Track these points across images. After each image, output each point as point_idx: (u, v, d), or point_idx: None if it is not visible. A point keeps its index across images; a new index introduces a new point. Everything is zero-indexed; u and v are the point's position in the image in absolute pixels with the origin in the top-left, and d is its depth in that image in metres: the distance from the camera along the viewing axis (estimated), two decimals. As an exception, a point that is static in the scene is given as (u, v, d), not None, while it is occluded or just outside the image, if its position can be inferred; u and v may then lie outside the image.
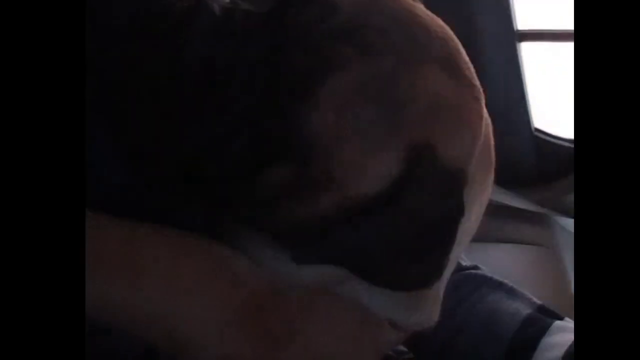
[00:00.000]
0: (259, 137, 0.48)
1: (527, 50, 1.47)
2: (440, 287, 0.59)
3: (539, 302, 0.74)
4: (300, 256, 0.48)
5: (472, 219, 0.57)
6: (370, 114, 0.48)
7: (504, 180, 1.42)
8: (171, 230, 0.51)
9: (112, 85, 0.50)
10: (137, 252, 0.49)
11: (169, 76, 0.48)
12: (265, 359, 0.54)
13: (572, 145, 1.37)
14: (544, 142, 1.45)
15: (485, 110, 0.55)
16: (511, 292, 0.77)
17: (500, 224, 1.39)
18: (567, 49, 1.33)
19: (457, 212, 0.49)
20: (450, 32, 0.53)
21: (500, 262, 1.18)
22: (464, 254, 0.82)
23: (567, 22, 1.30)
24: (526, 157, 1.46)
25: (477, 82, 0.53)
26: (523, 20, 1.45)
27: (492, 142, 0.57)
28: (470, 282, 0.76)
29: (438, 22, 0.53)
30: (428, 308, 0.59)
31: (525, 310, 0.73)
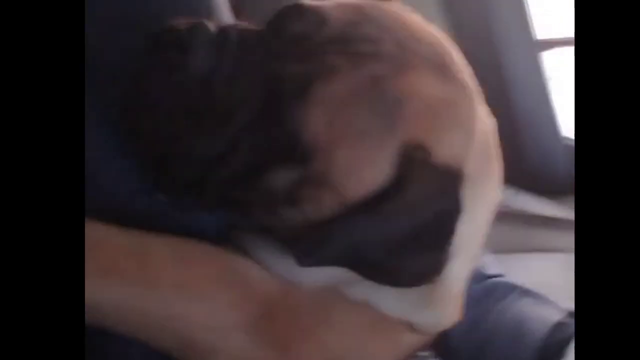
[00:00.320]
0: (260, 143, 0.50)
1: (551, 59, 1.47)
2: (453, 286, 0.59)
3: (567, 308, 0.73)
4: (303, 259, 0.50)
5: (477, 218, 0.57)
6: (363, 117, 0.50)
7: (535, 188, 1.41)
8: (182, 239, 0.53)
9: (125, 98, 0.53)
10: (149, 261, 0.51)
11: (174, 89, 0.51)
12: None
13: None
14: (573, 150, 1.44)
15: (481, 110, 0.56)
16: (539, 299, 0.76)
17: (532, 232, 1.38)
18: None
19: (453, 210, 0.50)
20: (441, 37, 0.55)
21: (533, 271, 1.16)
22: (496, 262, 0.81)
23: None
24: (556, 165, 1.44)
25: (471, 84, 0.55)
26: (543, 29, 1.45)
27: (494, 142, 0.58)
28: (497, 291, 0.75)
29: (427, 28, 0.55)
30: (441, 308, 0.59)
31: (555, 317, 0.72)
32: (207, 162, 0.51)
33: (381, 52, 0.51)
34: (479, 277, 0.76)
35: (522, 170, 1.41)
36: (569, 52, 1.45)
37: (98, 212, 0.51)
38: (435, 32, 0.55)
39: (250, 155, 0.50)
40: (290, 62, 0.50)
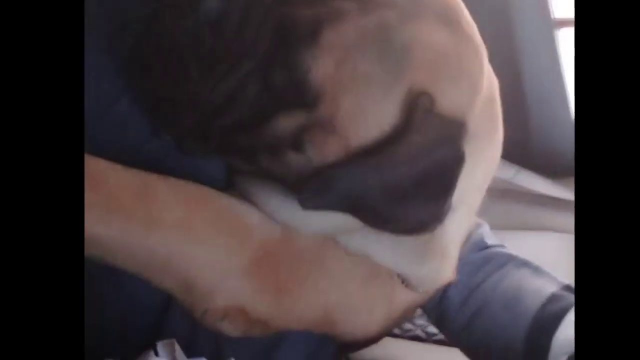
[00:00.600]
0: (268, 86, 0.51)
1: (567, 38, 1.45)
2: (448, 242, 0.60)
3: (565, 281, 0.73)
4: (306, 201, 0.50)
5: (477, 175, 0.58)
6: (370, 63, 0.50)
7: (542, 168, 1.40)
8: (184, 181, 0.54)
9: (135, 41, 0.54)
10: (152, 201, 0.52)
11: (185, 32, 0.51)
12: (273, 307, 0.56)
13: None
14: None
15: (489, 68, 0.56)
16: (536, 270, 0.76)
17: (537, 211, 1.37)
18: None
19: (455, 161, 0.50)
20: None
21: (535, 249, 1.16)
22: (497, 237, 0.81)
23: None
24: (565, 146, 1.43)
25: (479, 40, 0.55)
26: (561, 8, 1.43)
27: (499, 102, 0.58)
28: (496, 260, 0.76)
29: None
30: (435, 263, 0.60)
31: (550, 288, 0.72)
32: (214, 107, 0.51)
33: (390, 0, 0.51)
34: (479, 246, 0.77)
35: (528, 148, 1.40)
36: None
37: (108, 155, 0.52)
38: None
39: (257, 99, 0.51)
40: (299, 6, 0.50)
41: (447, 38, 0.52)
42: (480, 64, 0.54)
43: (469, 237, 0.77)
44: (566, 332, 0.67)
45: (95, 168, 0.50)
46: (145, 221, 0.51)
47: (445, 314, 0.75)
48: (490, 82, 0.56)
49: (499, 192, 1.25)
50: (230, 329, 0.56)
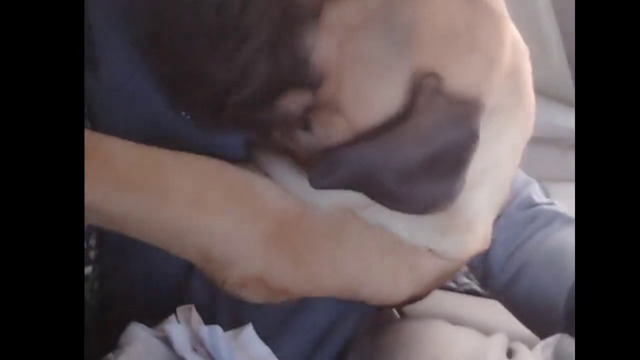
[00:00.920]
0: (274, 65, 0.50)
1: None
2: (473, 216, 0.58)
3: None
4: (316, 181, 0.50)
5: (503, 151, 0.55)
6: (374, 43, 0.48)
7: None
8: (198, 158, 0.55)
9: (144, 18, 0.54)
10: (163, 174, 0.53)
11: (191, 11, 0.50)
12: (292, 276, 0.57)
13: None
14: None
15: (515, 37, 0.52)
16: None
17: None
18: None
19: (467, 140, 0.48)
20: None
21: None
22: (556, 189, 0.77)
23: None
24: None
25: (501, 9, 0.51)
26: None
27: (528, 71, 0.54)
28: (542, 217, 0.73)
29: None
30: (460, 236, 0.58)
31: None
32: (223, 84, 0.51)
33: None
34: (526, 204, 0.75)
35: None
36: None
37: (124, 132, 0.53)
38: None
39: (264, 79, 0.50)
40: None
41: (458, 11, 0.49)
42: (499, 36, 0.50)
43: (515, 195, 0.75)
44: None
45: (108, 146, 0.52)
46: (159, 195, 0.53)
47: (488, 271, 0.74)
48: (515, 51, 0.53)
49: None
50: (252, 296, 0.58)
